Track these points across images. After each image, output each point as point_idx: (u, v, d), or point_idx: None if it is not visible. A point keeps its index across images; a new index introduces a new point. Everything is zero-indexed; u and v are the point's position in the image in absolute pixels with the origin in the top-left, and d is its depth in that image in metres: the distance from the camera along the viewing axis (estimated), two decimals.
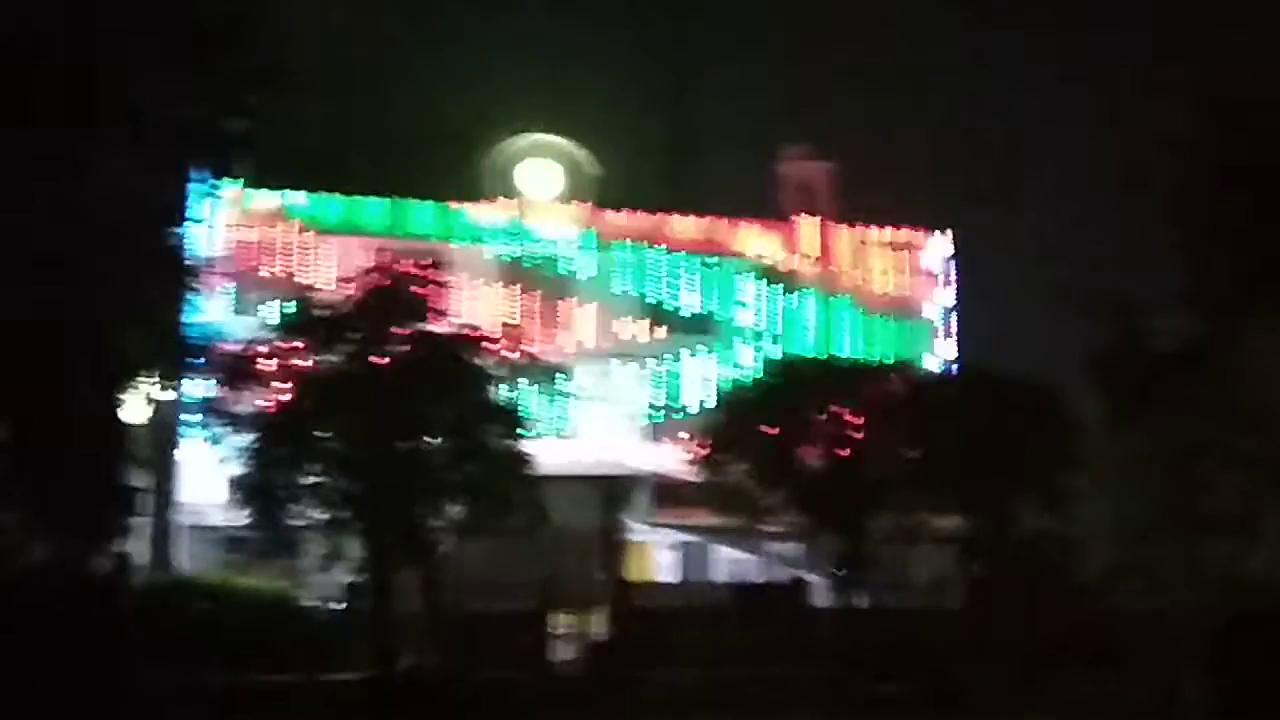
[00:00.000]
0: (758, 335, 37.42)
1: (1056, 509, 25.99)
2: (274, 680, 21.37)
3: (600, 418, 35.81)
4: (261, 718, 18.82)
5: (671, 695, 22.88)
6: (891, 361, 30.69)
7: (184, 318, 25.74)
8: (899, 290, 38.74)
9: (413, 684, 22.66)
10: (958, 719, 19.93)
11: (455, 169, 36.46)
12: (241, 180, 34.47)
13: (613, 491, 33.62)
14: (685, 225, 37.65)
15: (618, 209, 37.17)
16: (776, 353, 34.53)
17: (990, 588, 26.65)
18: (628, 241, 37.13)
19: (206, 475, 25.57)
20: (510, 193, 37.01)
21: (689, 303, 37.40)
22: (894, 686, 22.70)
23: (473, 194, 36.71)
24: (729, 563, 34.48)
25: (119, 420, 22.56)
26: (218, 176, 33.67)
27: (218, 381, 24.16)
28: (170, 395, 26.36)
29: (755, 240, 38.05)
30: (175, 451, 29.81)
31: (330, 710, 19.83)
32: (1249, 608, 17.47)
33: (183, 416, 26.94)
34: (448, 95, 37.64)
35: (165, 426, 27.71)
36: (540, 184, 37.44)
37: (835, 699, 22.17)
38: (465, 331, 24.34)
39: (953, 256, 38.96)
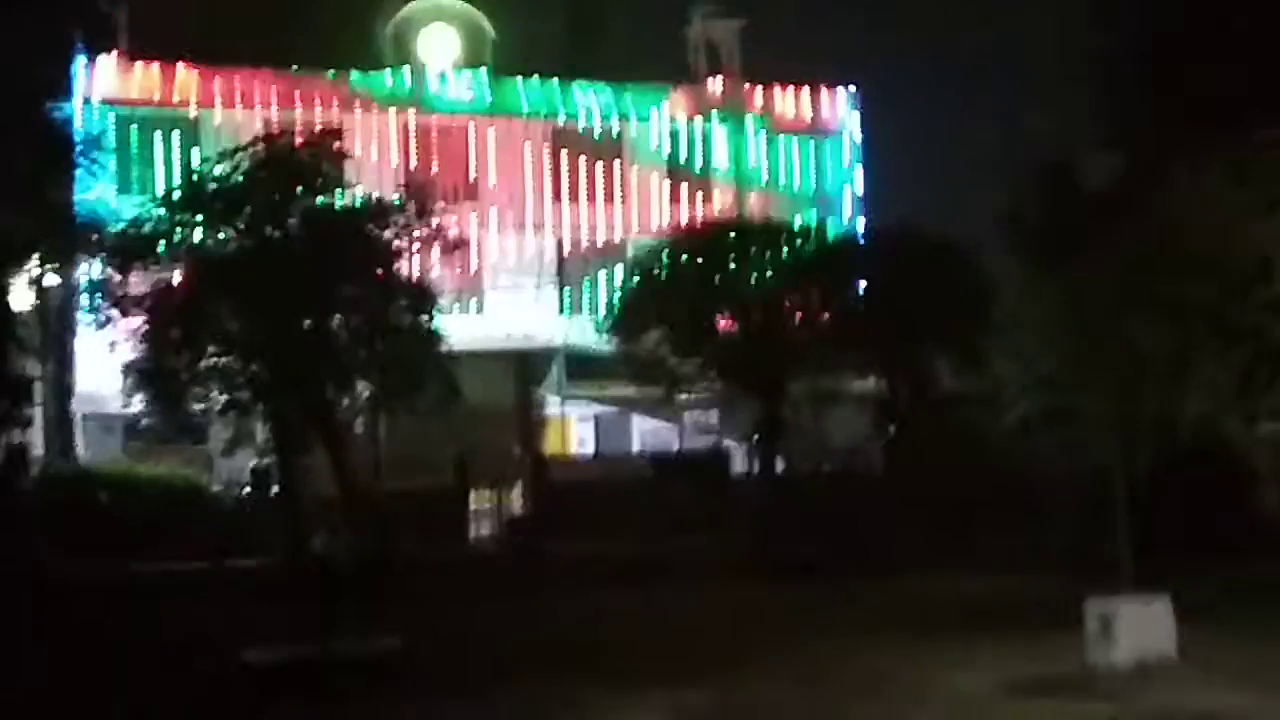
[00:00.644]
0: (672, 203, 36.63)
1: (973, 367, 25.91)
2: (181, 568, 20.75)
3: (512, 290, 35.12)
4: (170, 605, 18.16)
5: (590, 568, 22.60)
6: (806, 224, 30.08)
7: (67, 197, 24.77)
8: (809, 152, 38.04)
9: (326, 567, 22.19)
10: (878, 581, 19.84)
11: (351, 36, 34.99)
12: (123, 52, 33.10)
13: (526, 365, 33.06)
14: (592, 90, 36.51)
15: (520, 74, 35.94)
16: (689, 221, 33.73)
17: (908, 448, 26.70)
18: (534, 107, 35.98)
19: (104, 362, 24.46)
20: (411, 59, 35.61)
21: (599, 170, 36.42)
22: (814, 550, 22.63)
23: (373, 62, 35.31)
24: (647, 433, 34.21)
25: (4, 307, 21.60)
26: (97, 49, 32.58)
27: (108, 263, 23.19)
28: (59, 279, 25.44)
29: (664, 103, 37.07)
30: (69, 338, 28.63)
31: (240, 596, 19.24)
32: (1169, 459, 17.45)
33: (74, 301, 25.89)
34: None
35: (56, 312, 26.59)
36: (440, 50, 36.06)
37: (756, 566, 22.05)
38: (367, 204, 23.49)
39: (863, 113, 38.35)
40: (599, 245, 35.88)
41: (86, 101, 31.94)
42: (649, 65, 37.28)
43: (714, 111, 37.24)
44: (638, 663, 13.88)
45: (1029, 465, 22.55)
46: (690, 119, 37.10)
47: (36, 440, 28.31)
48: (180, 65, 33.52)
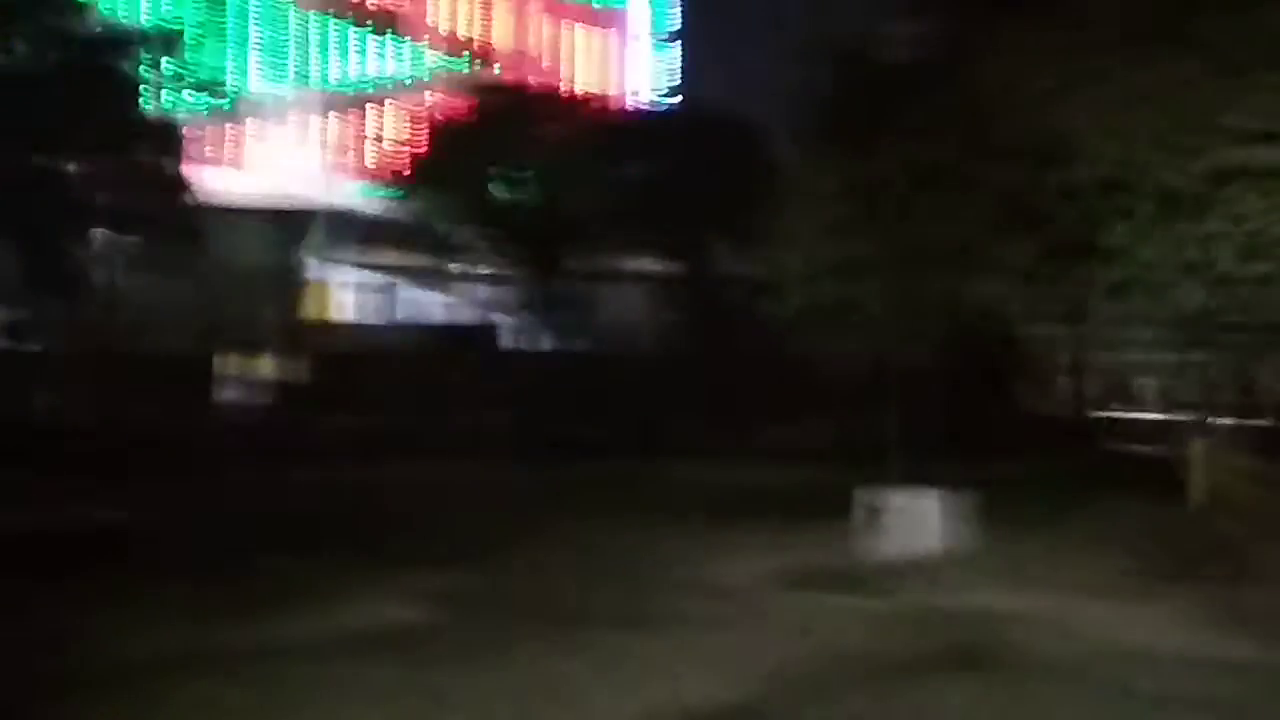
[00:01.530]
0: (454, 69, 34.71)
1: (753, 250, 25.34)
2: None
3: (283, 149, 32.93)
4: None
5: (347, 443, 21.32)
6: (590, 92, 28.82)
7: None
8: (601, 19, 36.62)
9: (52, 429, 20.30)
10: (654, 465, 19.20)
11: None
12: None
13: (287, 225, 31.08)
14: None
15: None
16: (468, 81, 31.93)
17: (688, 333, 26.07)
18: None
19: None
20: None
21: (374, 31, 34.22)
22: (588, 430, 21.86)
23: None
24: (413, 304, 32.75)
25: None
26: None
27: None
28: None
29: None
30: None
31: None
32: (946, 355, 17.18)
33: None
34: None
35: None
36: None
37: (525, 444, 21.15)
38: (110, 35, 21.18)
39: None
40: (376, 95, 33.85)
41: None
42: None
43: None
44: (390, 544, 12.86)
45: (808, 354, 22.20)
46: None
47: None
48: None
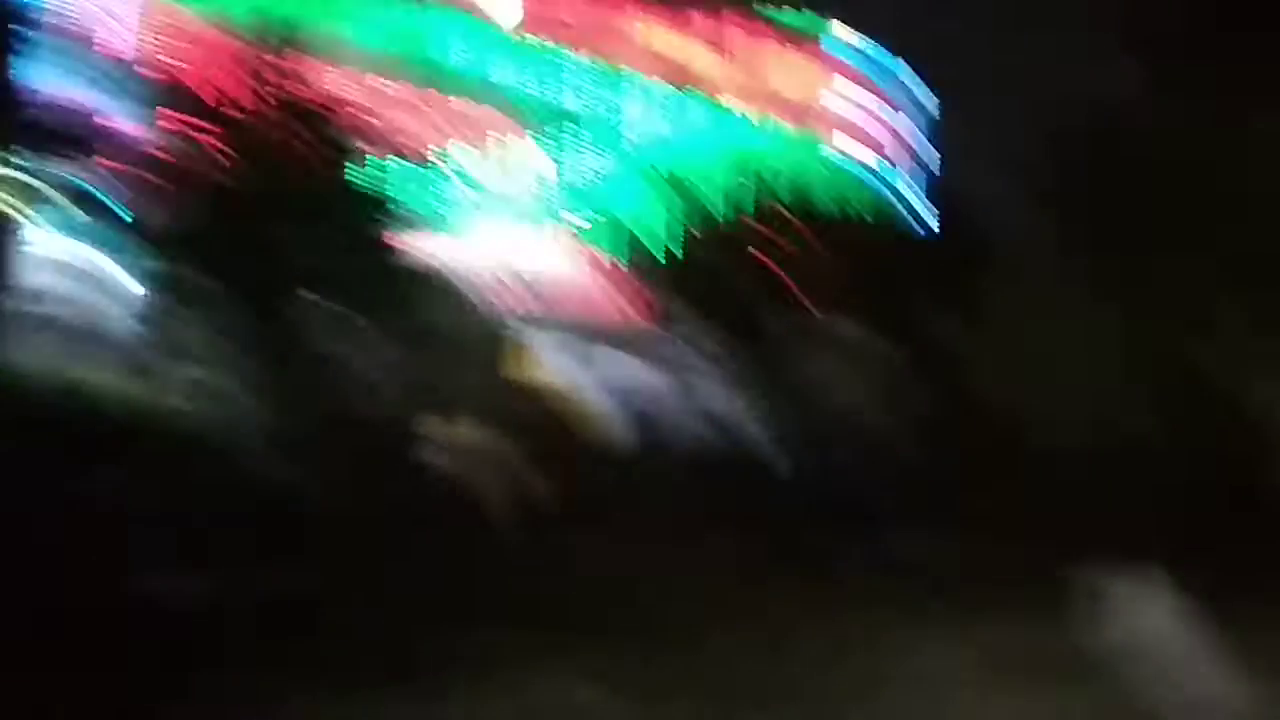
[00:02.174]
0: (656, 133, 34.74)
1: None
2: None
3: (487, 211, 33.39)
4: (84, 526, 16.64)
5: (555, 506, 21.20)
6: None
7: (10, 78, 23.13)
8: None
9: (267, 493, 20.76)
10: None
11: None
12: None
13: (499, 290, 31.43)
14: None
15: None
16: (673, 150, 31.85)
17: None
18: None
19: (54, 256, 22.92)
20: None
21: (584, 96, 34.49)
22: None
23: None
24: (624, 364, 32.66)
25: None
26: None
27: (48, 151, 21.63)
28: None
29: (654, 35, 35.08)
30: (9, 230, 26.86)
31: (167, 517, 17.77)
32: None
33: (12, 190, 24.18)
34: None
35: None
36: None
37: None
38: (327, 107, 21.83)
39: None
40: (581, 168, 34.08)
41: None
42: None
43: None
44: (589, 616, 12.47)
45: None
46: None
47: None
48: None
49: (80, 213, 21.77)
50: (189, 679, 9.64)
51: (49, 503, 17.68)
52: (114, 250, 21.47)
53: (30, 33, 23.18)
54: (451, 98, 32.92)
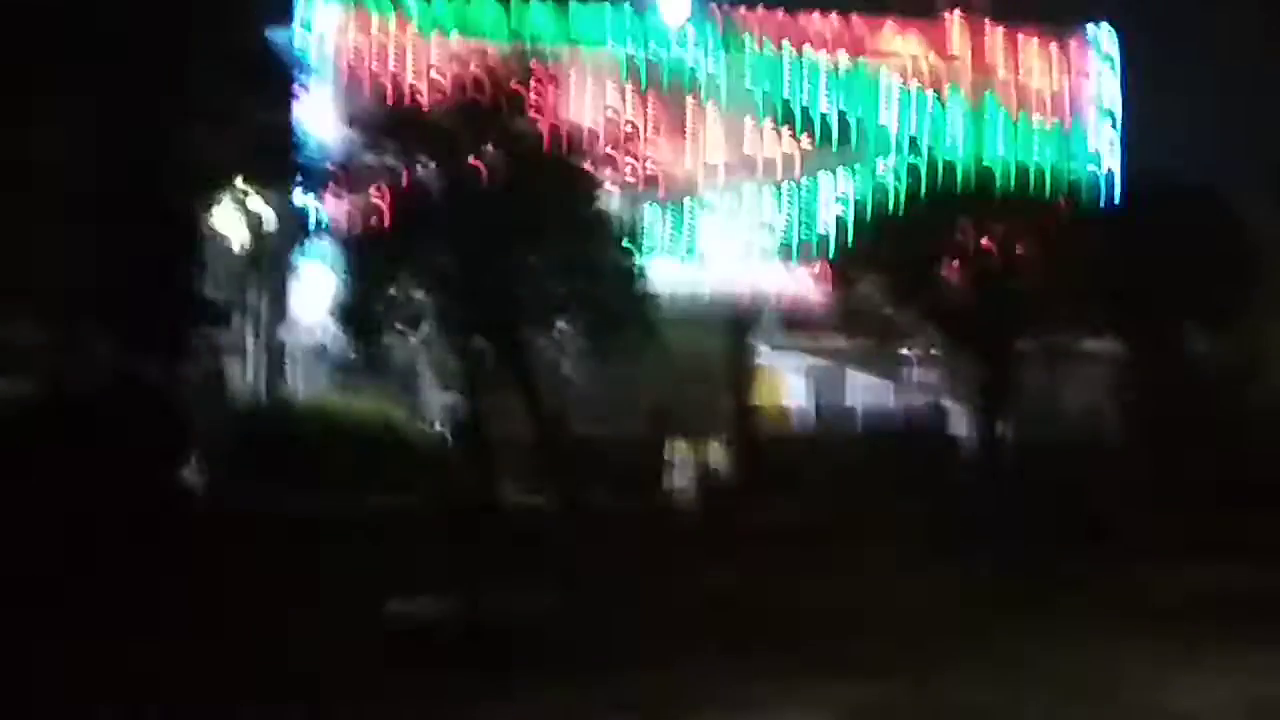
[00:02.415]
0: (901, 145, 34.26)
1: (1230, 330, 23.29)
2: (361, 506, 20.09)
3: (728, 237, 33.57)
4: (336, 545, 17.45)
5: (797, 530, 21.12)
6: (1044, 173, 27.38)
7: (281, 122, 24.45)
8: (1056, 93, 35.09)
9: (514, 515, 21.37)
10: (1107, 563, 17.77)
11: None
12: None
13: (740, 314, 31.59)
14: (822, 23, 34.37)
15: (745, 4, 34.10)
16: (919, 163, 31.31)
17: (1151, 419, 24.20)
18: (760, 40, 34.13)
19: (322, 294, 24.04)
20: None
21: (827, 110, 34.36)
22: (1038, 525, 20.60)
23: None
24: (863, 389, 32.33)
25: (199, 230, 21.32)
26: None
27: (313, 191, 22.77)
28: (269, 207, 25.21)
29: (899, 40, 34.73)
30: (285, 267, 28.42)
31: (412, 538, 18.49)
32: None
33: (286, 230, 25.58)
34: None
35: (268, 239, 26.35)
36: None
37: (975, 540, 20.16)
38: (576, 135, 22.30)
39: (1118, 53, 35.13)
40: (822, 187, 33.85)
41: (306, 26, 31.96)
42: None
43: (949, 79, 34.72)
44: (817, 647, 12.41)
45: None
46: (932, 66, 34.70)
47: (243, 370, 28.54)
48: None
49: (336, 247, 22.75)
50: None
51: (318, 523, 18.74)
52: (368, 283, 22.34)
53: (296, 74, 24.58)
54: (697, 113, 33.48)
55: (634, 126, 23.13)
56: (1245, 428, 21.22)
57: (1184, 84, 33.91)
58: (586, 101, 30.59)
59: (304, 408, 24.65)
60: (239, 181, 23.17)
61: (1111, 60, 35.16)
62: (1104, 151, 34.56)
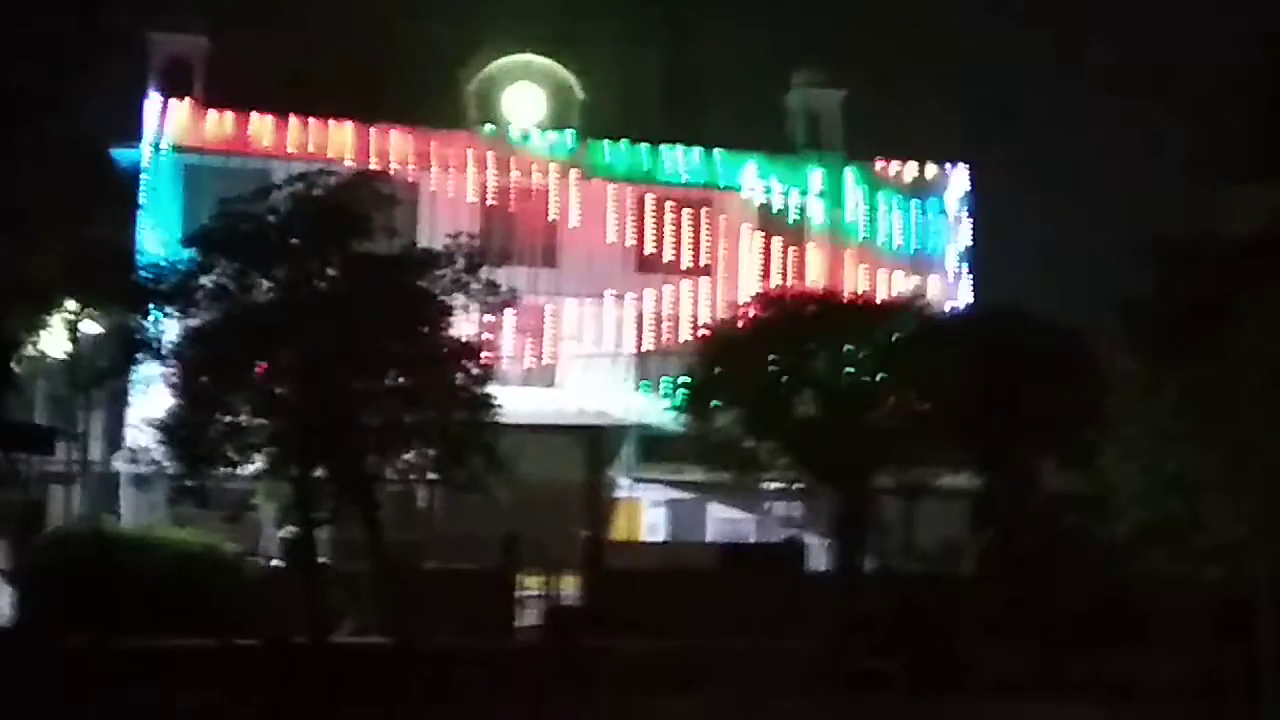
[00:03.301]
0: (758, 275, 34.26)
1: (1079, 463, 23.25)
2: (184, 644, 18.79)
3: (582, 361, 33.09)
4: (170, 686, 16.24)
5: (646, 667, 20.29)
6: (899, 304, 27.39)
7: (120, 240, 23.50)
8: (911, 226, 35.53)
9: (351, 650, 20.16)
10: (965, 698, 17.31)
11: (435, 92, 33.56)
12: (197, 98, 32.01)
13: (594, 442, 30.94)
14: (683, 152, 34.49)
15: (608, 138, 34.10)
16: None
17: (1006, 551, 23.98)
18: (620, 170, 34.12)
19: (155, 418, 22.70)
20: (495, 118, 33.92)
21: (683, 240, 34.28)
22: (894, 661, 20.07)
23: (456, 119, 33.74)
24: (722, 522, 31.80)
25: (8, 353, 20.05)
26: (172, 91, 31.60)
27: (141, 309, 21.64)
28: (96, 326, 23.95)
29: (756, 176, 34.96)
30: (114, 387, 26.93)
31: (250, 678, 17.26)
32: None
33: (115, 349, 24.26)
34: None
35: (92, 359, 25.01)
36: (526, 109, 34.40)
37: (827, 675, 19.55)
38: (413, 253, 21.60)
39: (970, 192, 35.79)
40: (679, 318, 33.61)
41: (155, 145, 31.09)
42: (745, 134, 35.42)
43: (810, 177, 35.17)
44: None
45: (1142, 576, 20.05)
46: (786, 189, 35.01)
47: (73, 499, 27.01)
48: (255, 114, 32.26)
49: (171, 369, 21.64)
50: None
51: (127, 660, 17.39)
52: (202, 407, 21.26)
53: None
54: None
55: (475, 243, 22.27)
56: (1097, 563, 21.08)
57: (1037, 217, 34.79)
58: (438, 223, 29.95)
59: (127, 538, 23.12)
60: (68, 300, 22.06)
61: (966, 196, 35.83)
62: (957, 284, 35.02)
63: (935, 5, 46.49)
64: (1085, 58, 43.84)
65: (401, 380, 21.04)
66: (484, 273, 21.46)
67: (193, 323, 21.13)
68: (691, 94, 37.12)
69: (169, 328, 21.45)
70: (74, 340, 23.42)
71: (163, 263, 21.78)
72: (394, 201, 21.34)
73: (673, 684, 19.13)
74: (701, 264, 34.32)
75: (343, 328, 20.21)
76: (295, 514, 21.16)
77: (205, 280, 20.96)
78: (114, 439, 28.84)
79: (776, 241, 34.72)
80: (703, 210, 34.46)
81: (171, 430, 20.72)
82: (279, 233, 20.45)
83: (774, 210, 34.84)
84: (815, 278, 33.80)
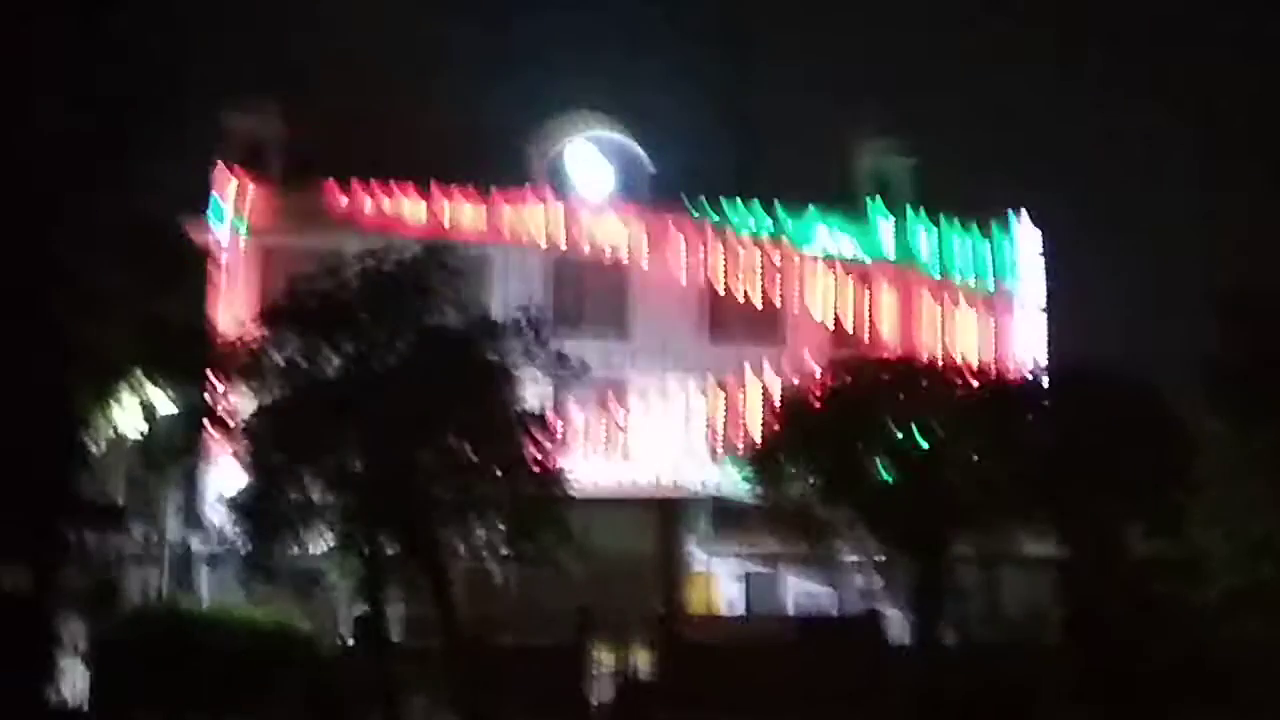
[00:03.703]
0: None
1: (1167, 529, 22.55)
2: None
3: (659, 434, 32.79)
4: None
5: None
6: (976, 361, 26.87)
7: (190, 317, 23.70)
8: (984, 284, 35.01)
9: None
10: None
11: (505, 167, 33.84)
12: (267, 176, 32.55)
13: (668, 514, 30.61)
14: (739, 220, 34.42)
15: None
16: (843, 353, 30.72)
17: (1091, 619, 23.22)
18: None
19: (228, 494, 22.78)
20: (565, 191, 34.03)
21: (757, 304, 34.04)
22: None
23: (526, 192, 33.96)
24: (801, 595, 31.21)
25: (81, 430, 20.22)
26: (248, 168, 32.16)
27: (214, 386, 21.79)
28: (171, 404, 24.15)
29: (827, 233, 34.73)
30: (188, 466, 27.11)
31: None
32: None
33: (189, 426, 24.42)
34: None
35: (168, 438, 25.22)
36: (596, 183, 34.50)
37: None
38: (480, 325, 21.55)
39: (1044, 247, 35.24)
40: (752, 387, 33.23)
41: (228, 222, 31.65)
42: (815, 194, 35.23)
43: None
44: None
45: (1234, 641, 19.33)
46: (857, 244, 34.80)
47: (149, 578, 27.16)
48: (327, 189, 32.73)
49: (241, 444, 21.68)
50: None
51: None
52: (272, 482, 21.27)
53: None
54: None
55: (555, 317, 22.24)
56: (1188, 629, 20.38)
57: (1114, 272, 34.07)
58: (510, 294, 29.92)
59: (200, 616, 23.14)
60: (140, 375, 22.27)
61: (1039, 250, 35.28)
62: (1034, 343, 34.38)
63: (1003, 52, 46.07)
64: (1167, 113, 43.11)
65: (471, 452, 21.02)
66: (554, 344, 21.41)
67: (264, 398, 21.30)
68: (757, 155, 37.16)
69: (242, 404, 21.65)
70: (149, 419, 23.66)
71: (235, 339, 22.03)
72: (462, 274, 21.36)
73: None
74: (774, 328, 34.01)
75: (411, 400, 20.24)
76: (366, 590, 21.05)
77: (276, 355, 21.21)
78: (191, 517, 29.01)
79: (849, 298, 34.42)
80: (776, 270, 34.23)
81: (243, 507, 20.80)
82: (348, 308, 20.58)
83: (847, 263, 34.58)
84: (889, 335, 33.46)
